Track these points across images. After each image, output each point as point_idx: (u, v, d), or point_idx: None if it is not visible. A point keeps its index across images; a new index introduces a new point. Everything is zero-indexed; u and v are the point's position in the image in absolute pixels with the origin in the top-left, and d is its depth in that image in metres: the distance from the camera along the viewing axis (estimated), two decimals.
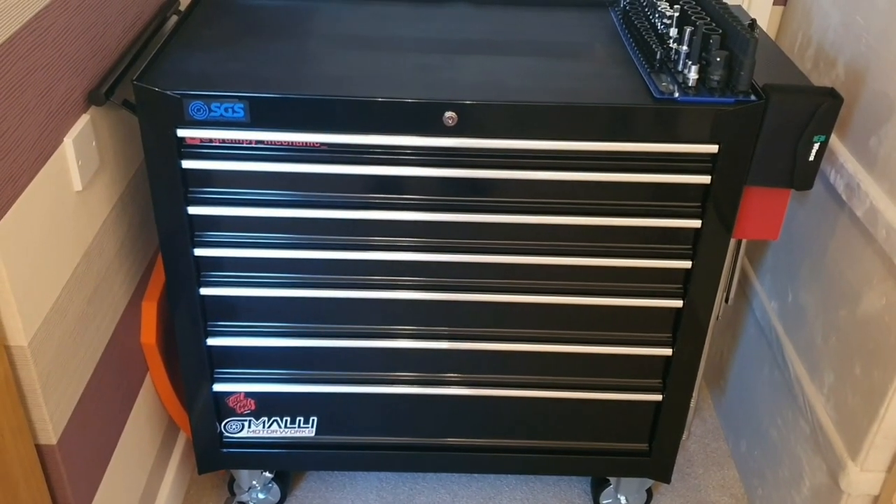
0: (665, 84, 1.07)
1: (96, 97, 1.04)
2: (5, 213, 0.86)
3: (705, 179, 1.10)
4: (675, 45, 1.12)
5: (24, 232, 0.90)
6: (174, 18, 1.32)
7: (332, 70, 1.11)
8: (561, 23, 1.30)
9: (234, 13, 1.27)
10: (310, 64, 1.13)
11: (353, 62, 1.13)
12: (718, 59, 1.05)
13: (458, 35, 1.24)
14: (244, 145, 1.07)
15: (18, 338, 0.90)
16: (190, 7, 1.26)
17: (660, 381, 1.27)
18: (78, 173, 1.01)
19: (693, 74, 1.06)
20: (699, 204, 1.12)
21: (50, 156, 0.95)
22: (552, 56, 1.18)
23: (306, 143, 1.06)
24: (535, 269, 1.16)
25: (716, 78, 1.06)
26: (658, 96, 1.05)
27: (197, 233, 1.14)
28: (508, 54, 1.18)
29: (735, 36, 1.06)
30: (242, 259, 1.16)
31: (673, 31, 1.15)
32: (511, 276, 1.17)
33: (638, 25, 1.20)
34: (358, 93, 1.05)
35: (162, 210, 1.11)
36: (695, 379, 1.27)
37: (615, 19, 1.31)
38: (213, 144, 1.07)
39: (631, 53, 1.18)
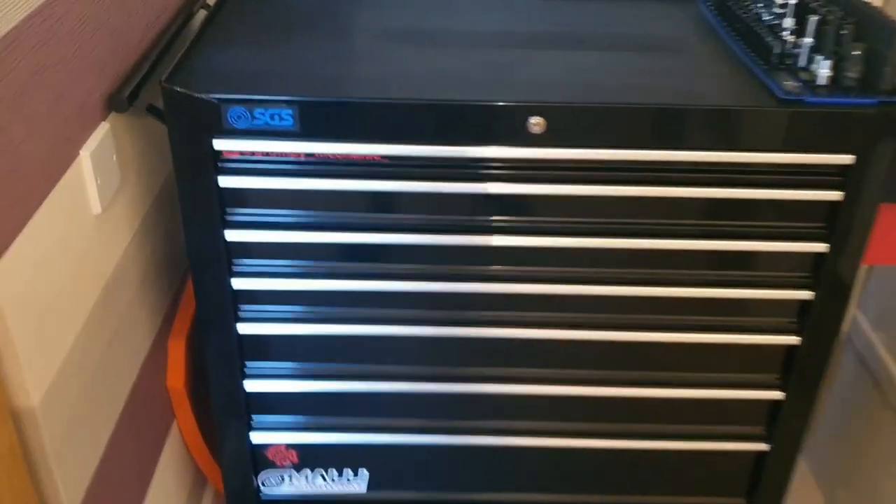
0: (790, 83, 0.90)
1: (118, 102, 0.87)
2: (9, 245, 0.69)
3: (836, 195, 0.93)
4: (793, 38, 0.96)
5: (33, 268, 0.73)
6: (202, 13, 1.16)
7: (390, 69, 0.95)
8: (643, 14, 1.13)
9: (270, 4, 1.11)
10: (364, 62, 0.96)
11: (413, 59, 0.97)
12: (856, 53, 0.89)
13: (528, 28, 1.07)
14: (291, 159, 0.90)
15: (26, 398, 0.73)
16: (219, 0, 1.11)
17: (765, 428, 1.10)
18: (97, 193, 0.84)
19: (825, 71, 0.89)
20: (825, 224, 0.95)
21: (63, 173, 0.79)
22: (643, 51, 1.01)
23: (365, 155, 0.90)
24: (629, 301, 0.99)
25: (852, 75, 0.89)
26: (784, 97, 0.89)
27: (235, 261, 0.97)
28: (592, 49, 1.01)
29: (874, 26, 0.89)
30: (287, 292, 0.99)
31: (788, 22, 0.98)
32: (602, 310, 1.00)
33: (742, 16, 1.04)
34: (425, 95, 0.88)
35: (194, 235, 0.94)
36: (806, 426, 1.11)
37: (706, 11, 1.15)
38: (256, 158, 0.90)
39: (735, 48, 1.02)
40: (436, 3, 1.14)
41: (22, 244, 0.71)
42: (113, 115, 0.89)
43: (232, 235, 0.95)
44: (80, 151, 0.82)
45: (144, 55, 0.97)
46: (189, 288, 1.16)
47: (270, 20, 1.06)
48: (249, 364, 1.05)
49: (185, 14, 1.07)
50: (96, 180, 0.84)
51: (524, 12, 1.12)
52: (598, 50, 1.01)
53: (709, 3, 1.16)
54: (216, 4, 1.08)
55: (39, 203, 0.74)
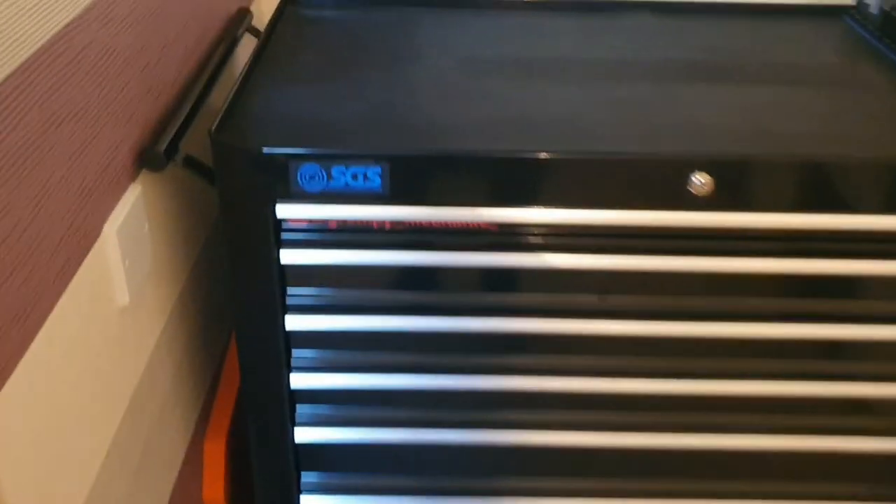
0: None
1: (153, 158, 0.67)
2: (8, 376, 0.49)
3: None
4: None
5: (42, 399, 0.52)
6: (248, 40, 0.96)
7: (496, 111, 0.74)
8: (783, 34, 0.93)
9: (331, 30, 0.91)
10: (460, 102, 0.76)
11: (521, 97, 0.77)
12: None
13: (650, 55, 0.87)
14: (374, 228, 0.70)
15: None
16: (271, 25, 0.91)
17: None
18: (124, 279, 0.64)
19: None
20: None
21: (83, 259, 0.58)
22: (809, 83, 0.81)
23: (472, 223, 0.70)
24: (803, 402, 0.79)
25: None
26: None
27: (296, 354, 0.77)
28: (743, 82, 0.81)
29: None
30: (359, 391, 0.78)
31: None
32: (773, 412, 0.79)
33: None
34: (550, 145, 0.68)
35: (246, 323, 0.74)
36: None
37: (860, 30, 0.95)
38: (328, 228, 0.70)
39: None
40: (526, 25, 0.95)
41: (26, 369, 0.50)
42: (144, 174, 0.69)
43: (293, 322, 0.74)
44: (105, 227, 0.61)
45: (182, 94, 0.77)
46: (227, 374, 0.95)
47: (333, 48, 0.86)
48: (306, 476, 0.84)
49: (229, 40, 0.87)
50: (124, 263, 0.63)
51: (638, 35, 0.92)
52: (750, 82, 0.81)
53: (863, 20, 0.96)
54: (266, 31, 0.88)
55: (50, 308, 0.53)
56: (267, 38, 0.85)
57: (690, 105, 0.75)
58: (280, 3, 0.92)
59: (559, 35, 0.92)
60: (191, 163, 0.73)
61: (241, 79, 0.75)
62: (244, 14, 0.94)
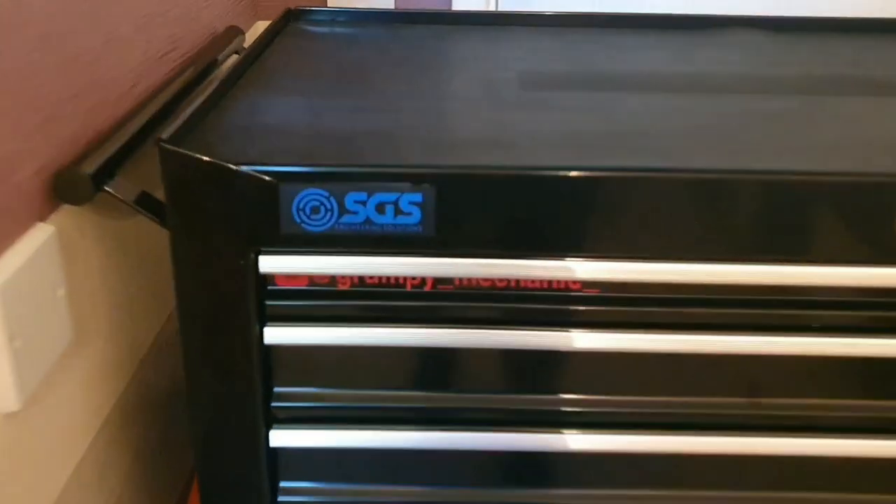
0: None
1: (74, 184, 0.45)
2: None
3: None
4: None
5: None
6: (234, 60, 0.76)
7: (587, 122, 0.51)
8: None
9: (345, 46, 0.70)
10: (523, 115, 0.54)
11: (618, 107, 0.55)
12: None
13: (786, 71, 0.64)
14: (410, 291, 0.47)
15: None
16: (269, 34, 0.69)
17: None
18: (10, 370, 0.41)
19: None
20: None
21: None
22: None
23: (557, 281, 0.47)
24: None
25: None
26: None
27: (285, 486, 0.52)
28: None
29: None
30: None
31: None
32: None
33: None
34: (676, 160, 0.46)
35: (214, 444, 0.49)
36: None
37: None
38: (338, 290, 0.47)
39: None
40: (592, 41, 0.74)
41: None
42: (65, 211, 0.47)
43: (282, 437, 0.50)
44: None
45: (135, 110, 0.56)
46: None
47: (348, 62, 0.65)
48: None
49: (208, 60, 0.67)
50: (11, 344, 0.40)
51: (748, 52, 0.71)
52: None
53: None
54: (260, 40, 0.66)
55: None
56: (261, 49, 0.64)
57: (863, 121, 0.53)
58: (281, 15, 0.72)
59: (644, 51, 0.71)
60: (144, 201, 0.51)
61: (218, 85, 0.54)
62: (234, 34, 0.74)
